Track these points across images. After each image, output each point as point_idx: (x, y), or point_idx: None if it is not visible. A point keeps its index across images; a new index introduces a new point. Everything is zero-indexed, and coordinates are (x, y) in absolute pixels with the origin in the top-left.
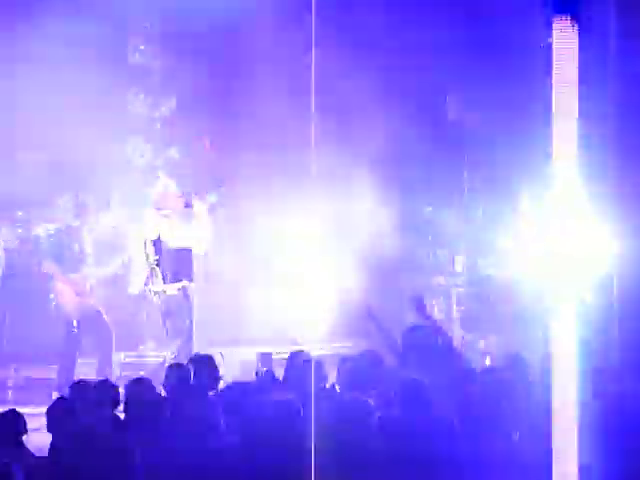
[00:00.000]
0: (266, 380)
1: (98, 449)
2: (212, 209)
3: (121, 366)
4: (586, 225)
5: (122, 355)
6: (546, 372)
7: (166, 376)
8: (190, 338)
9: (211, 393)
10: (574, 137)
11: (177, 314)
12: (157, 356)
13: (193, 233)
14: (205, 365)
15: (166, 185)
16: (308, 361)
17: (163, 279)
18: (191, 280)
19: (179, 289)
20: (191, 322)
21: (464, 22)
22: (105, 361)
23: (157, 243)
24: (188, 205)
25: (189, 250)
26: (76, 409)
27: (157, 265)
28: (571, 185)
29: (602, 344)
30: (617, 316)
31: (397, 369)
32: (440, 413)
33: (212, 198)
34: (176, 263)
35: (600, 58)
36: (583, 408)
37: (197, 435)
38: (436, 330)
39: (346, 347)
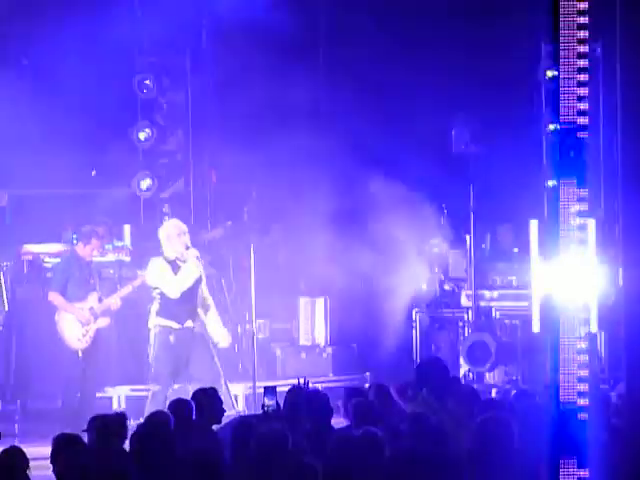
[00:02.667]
0: (272, 413)
1: None
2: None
3: (125, 399)
4: (592, 258)
5: (127, 388)
6: (552, 403)
7: (170, 410)
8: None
9: (215, 427)
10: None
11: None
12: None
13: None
14: (209, 398)
15: (175, 225)
16: (312, 394)
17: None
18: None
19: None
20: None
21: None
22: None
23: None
24: (187, 248)
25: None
26: (84, 442)
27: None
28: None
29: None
30: (624, 347)
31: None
32: (448, 447)
33: (219, 232)
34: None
35: None
36: (592, 442)
37: (203, 468)
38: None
39: (351, 380)
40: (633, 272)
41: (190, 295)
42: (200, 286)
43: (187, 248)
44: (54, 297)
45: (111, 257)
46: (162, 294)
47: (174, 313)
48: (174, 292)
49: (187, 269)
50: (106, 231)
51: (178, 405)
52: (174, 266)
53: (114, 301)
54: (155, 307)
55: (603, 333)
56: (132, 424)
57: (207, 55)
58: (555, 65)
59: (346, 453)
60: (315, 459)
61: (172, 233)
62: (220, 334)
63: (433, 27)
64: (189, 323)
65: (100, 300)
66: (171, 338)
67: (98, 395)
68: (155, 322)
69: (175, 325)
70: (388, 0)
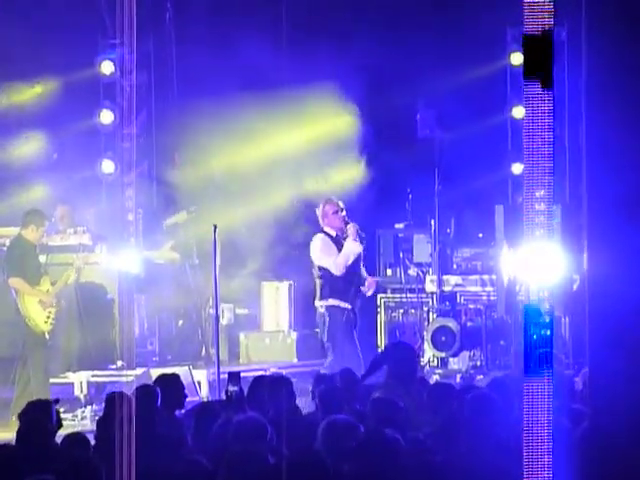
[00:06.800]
0: (236, 400)
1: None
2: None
3: (87, 385)
4: (556, 242)
5: (89, 373)
6: (517, 389)
7: (134, 396)
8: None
9: (178, 412)
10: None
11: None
12: (125, 375)
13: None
14: (171, 384)
15: (331, 203)
16: (277, 380)
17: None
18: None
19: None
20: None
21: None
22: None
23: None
24: (348, 222)
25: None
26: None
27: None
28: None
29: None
30: (587, 332)
31: (371, 387)
32: (412, 430)
33: (182, 217)
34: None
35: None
36: (555, 426)
37: (165, 454)
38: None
39: (316, 365)
40: (597, 257)
41: (353, 271)
42: (360, 262)
43: (347, 223)
44: (16, 282)
45: (72, 241)
46: (327, 273)
47: (341, 292)
48: (338, 269)
49: (349, 245)
50: (67, 213)
51: (143, 390)
52: (337, 242)
53: (67, 278)
54: (320, 287)
55: (567, 318)
56: (95, 409)
57: (171, 36)
58: (520, 49)
59: (313, 439)
60: (278, 445)
61: (329, 211)
62: None
63: (398, 9)
64: (356, 303)
65: (53, 283)
66: (343, 318)
67: (59, 381)
68: (323, 302)
69: (343, 304)
70: None
